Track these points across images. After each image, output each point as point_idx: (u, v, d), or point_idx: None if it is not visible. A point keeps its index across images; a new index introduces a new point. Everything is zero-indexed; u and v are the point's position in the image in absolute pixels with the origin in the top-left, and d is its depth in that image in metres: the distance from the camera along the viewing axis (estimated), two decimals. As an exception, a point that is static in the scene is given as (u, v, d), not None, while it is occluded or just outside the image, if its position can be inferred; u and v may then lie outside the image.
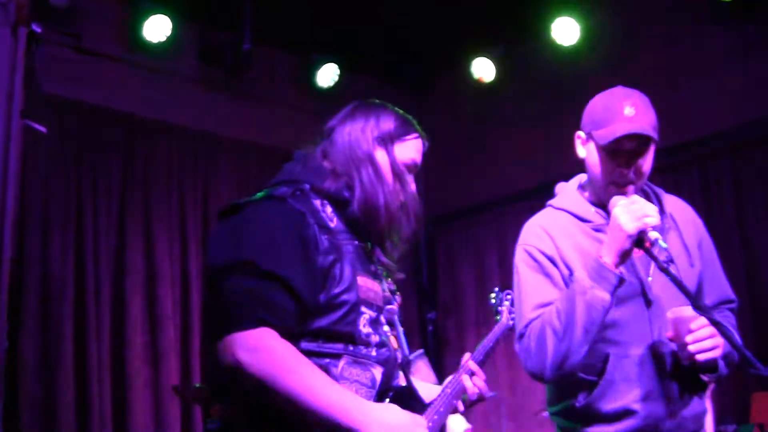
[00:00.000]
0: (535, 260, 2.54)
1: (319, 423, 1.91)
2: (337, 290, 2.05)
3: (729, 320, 2.54)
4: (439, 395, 2.35)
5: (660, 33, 5.68)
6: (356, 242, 2.17)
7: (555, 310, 2.40)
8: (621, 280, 2.35)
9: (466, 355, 2.47)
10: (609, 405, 2.46)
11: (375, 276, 2.21)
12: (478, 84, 6.31)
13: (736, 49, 5.40)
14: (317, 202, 2.14)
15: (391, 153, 2.23)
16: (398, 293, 2.33)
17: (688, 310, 2.34)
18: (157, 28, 5.33)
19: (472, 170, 6.82)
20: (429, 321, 6.82)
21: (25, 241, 4.86)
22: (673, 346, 2.40)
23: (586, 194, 2.64)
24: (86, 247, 5.16)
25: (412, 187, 2.28)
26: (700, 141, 5.53)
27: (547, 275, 2.52)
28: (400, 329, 2.30)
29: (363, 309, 2.10)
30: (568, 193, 2.68)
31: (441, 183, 7.05)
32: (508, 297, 2.88)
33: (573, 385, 2.52)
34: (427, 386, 2.47)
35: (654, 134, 2.42)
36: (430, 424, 2.24)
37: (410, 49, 6.35)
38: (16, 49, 3.53)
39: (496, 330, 2.76)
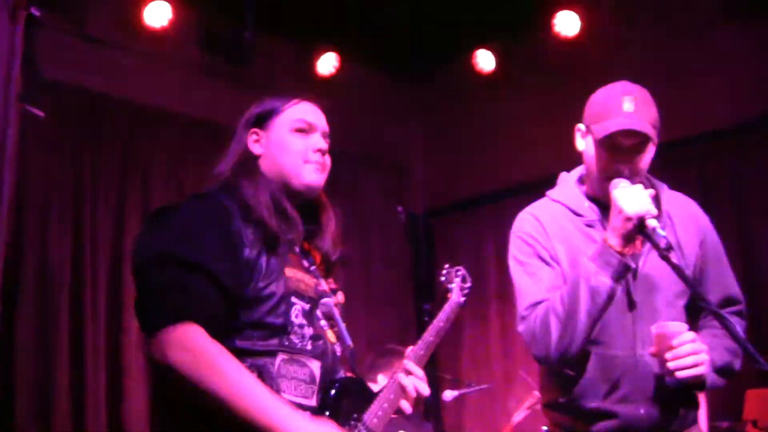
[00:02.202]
0: (529, 245, 2.56)
1: (246, 429, 1.89)
2: (263, 282, 2.05)
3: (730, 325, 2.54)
4: (386, 385, 2.29)
5: (662, 28, 5.67)
6: (289, 237, 2.16)
7: (559, 296, 2.40)
8: (625, 265, 2.34)
9: (408, 349, 2.42)
10: (590, 403, 2.47)
11: (308, 271, 2.22)
12: (479, 75, 6.30)
13: (739, 46, 5.38)
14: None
15: (269, 132, 2.27)
16: (340, 292, 2.32)
17: (672, 326, 2.34)
18: (157, 14, 5.31)
19: (472, 162, 6.81)
20: (425, 312, 6.82)
21: (22, 226, 4.85)
22: None
23: (584, 187, 2.64)
24: (84, 233, 5.14)
25: (317, 145, 2.27)
26: (700, 137, 5.53)
27: (542, 258, 2.53)
28: (342, 324, 2.28)
29: (294, 300, 2.11)
30: (567, 185, 2.68)
31: (440, 175, 7.05)
32: (459, 273, 2.82)
33: (558, 380, 2.53)
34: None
35: (652, 132, 2.41)
36: (380, 413, 2.20)
37: (411, 39, 6.33)
38: (14, 33, 3.52)
39: (447, 309, 2.66)
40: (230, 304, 1.99)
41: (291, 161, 2.23)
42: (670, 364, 2.29)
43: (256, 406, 1.89)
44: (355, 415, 2.17)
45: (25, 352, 4.77)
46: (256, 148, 2.25)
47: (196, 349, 1.89)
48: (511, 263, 2.61)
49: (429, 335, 2.49)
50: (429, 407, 6.10)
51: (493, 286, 6.60)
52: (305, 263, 2.24)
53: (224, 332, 1.97)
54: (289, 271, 2.12)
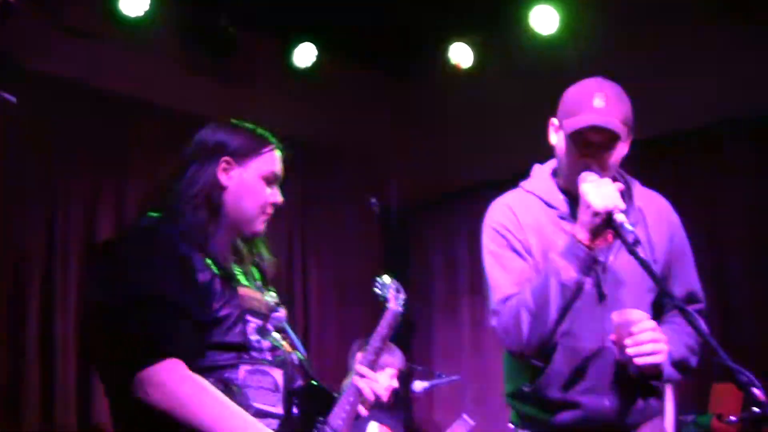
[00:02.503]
0: (503, 236, 2.58)
1: None
2: (218, 304, 2.09)
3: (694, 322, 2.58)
4: (346, 387, 2.45)
5: (640, 27, 5.69)
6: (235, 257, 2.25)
7: (530, 290, 2.43)
8: (593, 259, 2.37)
9: (358, 355, 2.55)
10: (555, 393, 2.51)
11: (256, 288, 2.28)
12: (455, 70, 6.31)
13: (717, 46, 5.43)
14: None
15: (243, 170, 2.31)
16: (282, 306, 2.36)
17: (633, 314, 2.37)
18: (134, 4, 5.26)
19: (446, 157, 6.82)
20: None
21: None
22: None
23: (558, 180, 2.66)
24: (56, 223, 5.11)
25: (277, 200, 2.35)
26: (674, 135, 5.58)
27: (515, 250, 2.56)
28: (292, 334, 2.36)
29: (249, 318, 2.16)
30: (541, 176, 2.71)
31: (414, 169, 7.05)
32: (392, 285, 2.97)
33: (523, 369, 2.56)
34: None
35: (621, 129, 2.43)
36: (343, 414, 2.36)
37: (388, 32, 6.33)
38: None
39: (388, 317, 2.81)
40: (199, 332, 2.04)
41: (252, 208, 2.27)
42: (629, 351, 2.33)
43: None
44: (321, 419, 2.27)
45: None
46: (224, 179, 2.25)
47: (181, 387, 1.94)
48: (485, 254, 2.62)
49: (375, 342, 2.67)
50: (399, 398, 6.14)
51: (465, 281, 6.64)
52: (251, 280, 2.30)
53: (192, 357, 2.01)
54: (242, 290, 2.18)
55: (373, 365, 2.54)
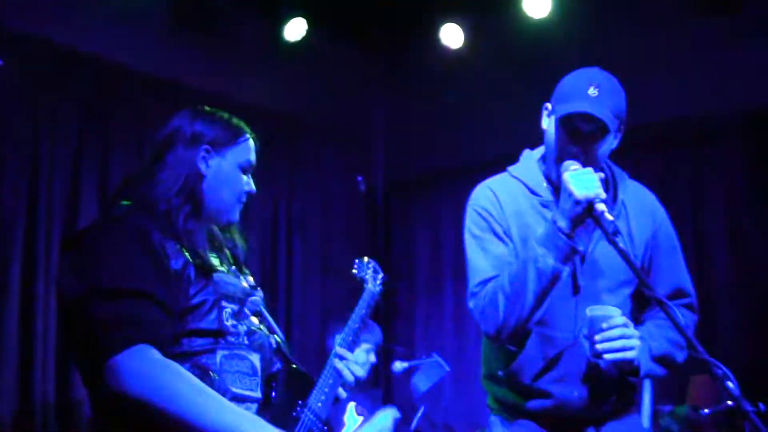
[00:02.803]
0: (485, 219, 2.59)
1: None
2: (193, 290, 2.09)
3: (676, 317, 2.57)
4: (325, 369, 2.42)
5: (631, 14, 5.68)
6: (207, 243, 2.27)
7: (507, 275, 2.43)
8: (572, 248, 2.37)
9: (337, 337, 2.55)
10: (526, 380, 2.53)
11: (232, 273, 2.29)
12: (446, 51, 6.27)
13: (707, 39, 5.42)
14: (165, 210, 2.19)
15: (221, 159, 2.34)
16: (258, 288, 2.38)
17: (606, 310, 2.38)
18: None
19: (434, 139, 6.80)
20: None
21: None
22: None
23: (545, 167, 2.65)
24: (39, 189, 5.06)
25: (251, 189, 2.38)
26: (662, 125, 5.57)
27: (496, 234, 2.56)
28: (269, 318, 2.36)
29: (224, 303, 2.15)
30: (528, 162, 2.71)
31: (401, 150, 7.03)
32: (370, 266, 2.96)
33: (499, 354, 2.57)
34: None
35: (610, 121, 2.42)
36: (323, 397, 2.32)
37: (379, 9, 6.28)
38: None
39: (366, 297, 2.80)
40: (172, 319, 2.03)
41: (229, 197, 2.31)
42: (599, 347, 2.34)
43: (221, 420, 1.92)
44: (300, 402, 2.26)
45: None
46: (203, 167, 2.27)
47: (153, 372, 1.92)
48: (466, 236, 2.64)
49: (354, 322, 2.62)
50: (379, 377, 6.15)
51: (449, 263, 6.64)
52: (225, 265, 2.31)
53: (167, 344, 1.99)
54: (217, 276, 2.18)
55: (352, 346, 2.52)
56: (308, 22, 6.07)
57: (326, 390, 2.34)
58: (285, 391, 2.25)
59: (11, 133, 4.97)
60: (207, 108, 2.39)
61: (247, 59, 6.02)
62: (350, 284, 6.32)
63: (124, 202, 2.21)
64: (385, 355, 5.33)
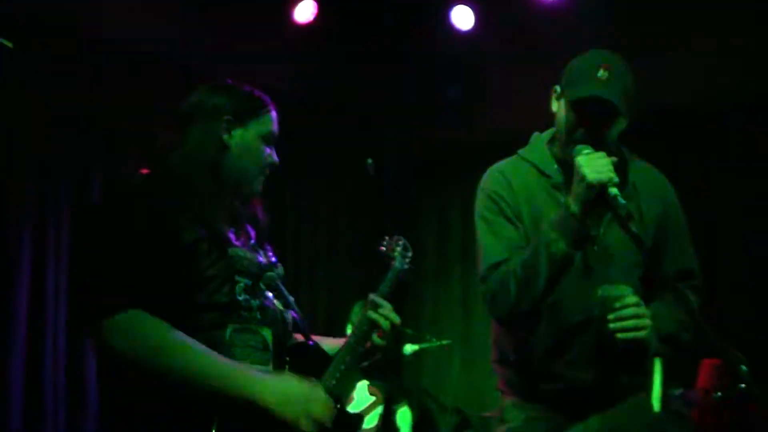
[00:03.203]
0: (496, 203, 2.58)
1: (208, 397, 1.91)
2: (206, 263, 2.07)
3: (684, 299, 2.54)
4: (342, 346, 2.39)
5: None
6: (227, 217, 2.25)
7: (519, 259, 2.43)
8: (585, 233, 2.36)
9: (369, 295, 2.51)
10: (537, 364, 2.52)
11: (249, 247, 2.28)
12: (457, 32, 6.24)
13: (717, 21, 5.38)
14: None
15: (244, 130, 2.32)
16: (278, 264, 2.38)
17: (618, 289, 2.37)
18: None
19: (443, 120, 6.78)
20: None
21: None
22: None
23: (554, 149, 2.65)
24: (48, 172, 5.07)
25: (274, 161, 2.37)
26: (673, 109, 5.55)
27: (507, 218, 2.56)
28: (286, 293, 2.35)
29: (237, 278, 2.14)
30: (537, 144, 2.70)
31: (411, 131, 7.02)
32: (399, 243, 2.88)
33: (510, 338, 2.57)
34: (335, 341, 2.51)
35: (621, 104, 2.41)
36: (337, 374, 2.29)
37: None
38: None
39: (391, 275, 2.75)
40: (173, 289, 2.01)
41: (253, 168, 2.30)
42: (612, 326, 2.33)
43: (212, 373, 1.93)
44: (313, 379, 2.20)
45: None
46: (226, 138, 2.26)
47: (141, 331, 1.92)
48: (477, 219, 2.63)
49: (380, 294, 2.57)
50: (390, 361, 6.16)
51: (458, 245, 6.64)
52: (243, 239, 2.29)
53: (173, 316, 1.98)
54: (231, 250, 2.17)
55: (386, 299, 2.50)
56: (318, 3, 6.03)
57: (342, 368, 2.31)
58: (298, 366, 2.22)
59: (20, 115, 4.97)
60: (229, 81, 2.38)
61: (257, 41, 6.00)
62: (359, 268, 6.36)
63: (144, 172, 2.21)
64: (396, 334, 5.33)
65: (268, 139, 2.33)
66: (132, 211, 2.07)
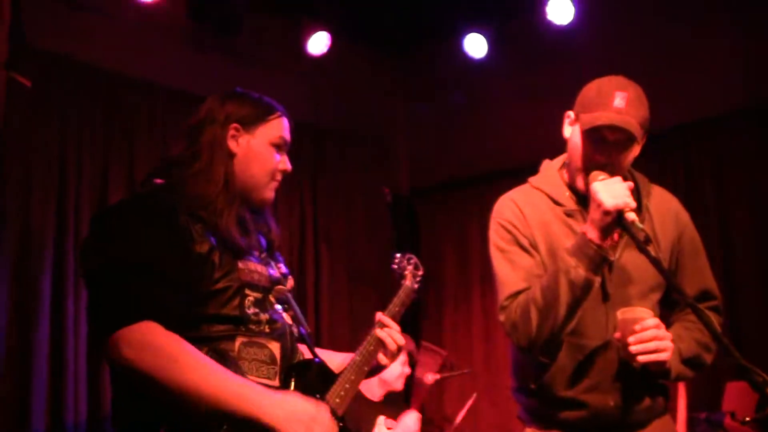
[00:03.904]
0: (509, 232, 2.58)
1: (217, 414, 1.91)
2: (217, 275, 2.07)
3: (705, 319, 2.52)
4: (348, 364, 2.36)
5: (654, 17, 5.65)
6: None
7: (539, 287, 2.42)
8: (603, 258, 2.35)
9: (378, 314, 2.48)
10: (559, 391, 2.50)
11: (259, 259, 2.25)
12: (469, 58, 6.26)
13: (728, 35, 5.38)
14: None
15: (252, 137, 2.32)
16: (290, 276, 2.37)
17: (637, 312, 2.35)
18: (147, -16, 5.25)
19: (458, 144, 6.79)
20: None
21: (5, 192, 4.79)
22: None
23: (566, 175, 2.64)
24: (67, 203, 5.08)
25: (286, 167, 2.35)
26: (686, 125, 5.53)
27: (522, 246, 2.55)
28: (296, 307, 2.33)
29: (247, 291, 2.13)
30: (548, 172, 2.69)
31: (426, 155, 7.03)
32: (411, 261, 2.83)
33: (530, 365, 2.55)
34: (340, 356, 2.48)
35: (638, 132, 2.41)
36: (342, 392, 2.25)
37: (403, 19, 6.29)
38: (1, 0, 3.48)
39: (401, 294, 2.67)
40: (185, 300, 2.01)
41: (261, 174, 2.28)
42: (632, 348, 2.32)
43: (223, 390, 1.92)
44: (318, 396, 2.20)
45: (4, 321, 4.72)
46: (233, 146, 2.25)
47: (155, 344, 1.91)
48: (492, 250, 2.62)
49: (389, 313, 2.54)
50: (409, 390, 6.12)
51: (476, 269, 6.61)
52: (255, 250, 2.27)
53: (182, 327, 1.98)
54: (242, 263, 2.16)
55: (395, 318, 2.46)
56: (331, 31, 6.07)
57: (347, 386, 2.29)
58: (304, 382, 2.20)
59: (39, 149, 5.00)
60: (238, 89, 2.38)
61: (271, 69, 6.04)
62: (378, 293, 6.34)
63: (156, 182, 2.21)
64: (414, 365, 5.30)
65: (278, 145, 2.32)
66: (145, 221, 2.06)
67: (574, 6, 5.64)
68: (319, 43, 6.06)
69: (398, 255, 2.88)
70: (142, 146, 5.49)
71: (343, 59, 6.24)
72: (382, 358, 2.40)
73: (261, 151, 2.27)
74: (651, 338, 2.30)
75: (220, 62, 5.80)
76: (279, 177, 2.33)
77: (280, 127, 2.33)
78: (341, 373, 2.33)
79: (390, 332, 2.39)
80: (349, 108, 6.57)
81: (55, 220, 5.02)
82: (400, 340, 2.40)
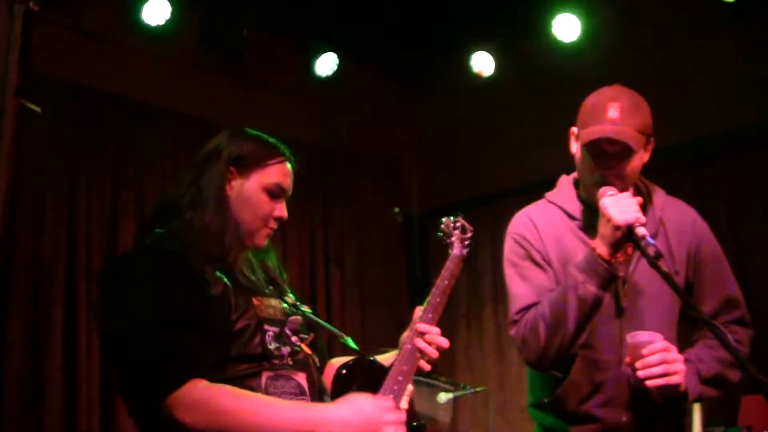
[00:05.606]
0: (523, 247, 2.57)
1: None
2: (235, 316, 2.05)
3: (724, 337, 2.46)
4: (394, 361, 2.26)
5: (661, 32, 5.66)
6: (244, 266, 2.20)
7: (548, 302, 2.41)
8: (612, 274, 2.34)
9: (417, 311, 2.33)
10: (572, 406, 2.48)
11: (271, 293, 2.23)
12: (477, 78, 6.28)
13: (736, 50, 5.38)
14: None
15: (245, 180, 2.26)
16: (299, 307, 2.32)
17: (644, 335, 2.33)
18: (156, 12, 5.30)
19: (468, 164, 6.80)
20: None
21: (16, 219, 4.82)
22: None
23: (579, 190, 2.63)
24: (79, 227, 5.12)
25: (281, 214, 2.27)
26: (697, 141, 5.52)
27: (535, 261, 2.54)
28: (321, 326, 2.34)
29: (266, 327, 2.11)
30: (564, 187, 2.69)
31: (436, 175, 7.03)
32: (457, 224, 2.65)
33: (544, 380, 2.54)
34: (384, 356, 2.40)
35: (635, 139, 2.38)
36: (396, 387, 2.16)
37: (410, 40, 6.32)
38: (12, 27, 3.50)
39: (449, 265, 2.48)
40: (214, 346, 1.99)
41: (252, 220, 2.22)
42: (640, 373, 2.29)
43: (281, 419, 1.92)
44: (374, 391, 2.14)
45: (17, 345, 4.73)
46: (228, 188, 2.22)
47: (204, 400, 1.90)
48: (505, 264, 2.62)
49: (435, 297, 2.36)
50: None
51: (488, 288, 6.60)
52: (264, 287, 2.25)
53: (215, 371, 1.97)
54: (256, 299, 2.14)
55: (432, 323, 2.28)
56: (339, 54, 6.11)
57: (400, 378, 2.19)
58: (353, 383, 2.17)
59: (49, 174, 5.04)
60: (248, 129, 2.33)
61: (280, 94, 6.07)
62: (389, 313, 6.33)
63: (157, 230, 2.15)
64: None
65: (272, 191, 2.24)
66: (159, 274, 2.02)
67: (581, 24, 5.66)
68: (326, 64, 6.09)
69: (444, 220, 2.70)
70: (153, 172, 5.53)
71: (352, 82, 6.27)
72: (424, 364, 2.26)
73: (251, 195, 2.21)
74: (658, 362, 2.28)
75: (230, 87, 5.84)
76: (273, 224, 2.24)
77: (278, 173, 2.25)
78: (390, 366, 2.25)
79: (431, 338, 2.24)
80: (359, 131, 6.59)
81: (66, 245, 5.05)
82: (443, 342, 2.25)
